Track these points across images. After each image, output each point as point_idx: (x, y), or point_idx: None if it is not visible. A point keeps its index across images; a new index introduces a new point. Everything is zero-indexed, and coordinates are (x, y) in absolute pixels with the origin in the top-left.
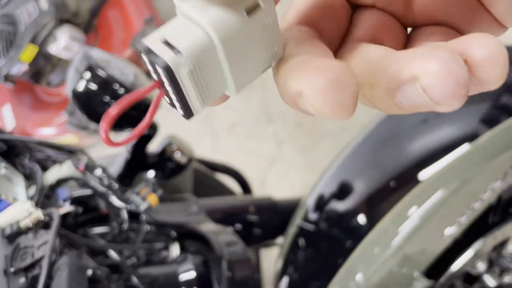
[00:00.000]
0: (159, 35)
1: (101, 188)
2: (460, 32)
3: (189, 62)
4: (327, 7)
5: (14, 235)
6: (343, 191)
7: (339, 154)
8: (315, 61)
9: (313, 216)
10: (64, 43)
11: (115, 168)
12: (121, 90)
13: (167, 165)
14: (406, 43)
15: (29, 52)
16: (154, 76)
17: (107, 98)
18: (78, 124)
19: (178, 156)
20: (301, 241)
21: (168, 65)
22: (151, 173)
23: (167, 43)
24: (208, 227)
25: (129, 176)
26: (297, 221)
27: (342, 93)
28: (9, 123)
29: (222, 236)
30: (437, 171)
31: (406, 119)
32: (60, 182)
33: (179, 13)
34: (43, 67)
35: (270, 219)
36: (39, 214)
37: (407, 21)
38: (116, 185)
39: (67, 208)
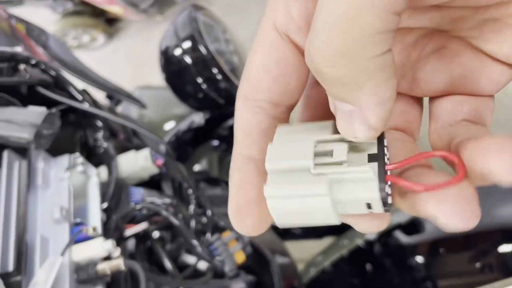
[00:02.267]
0: None
1: (188, 232)
2: (472, 94)
3: None
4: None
5: (88, 280)
6: (414, 226)
7: None
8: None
9: (372, 235)
10: None
11: (183, 128)
12: (218, 76)
13: None
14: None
15: None
16: None
17: (199, 80)
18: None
19: None
20: (350, 259)
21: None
22: (215, 142)
23: None
24: (264, 237)
25: (195, 142)
26: (355, 237)
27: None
28: None
29: (278, 258)
30: None
31: None
32: (133, 212)
33: None
34: None
35: None
36: (120, 264)
37: (417, 95)
38: (204, 220)
39: (141, 226)
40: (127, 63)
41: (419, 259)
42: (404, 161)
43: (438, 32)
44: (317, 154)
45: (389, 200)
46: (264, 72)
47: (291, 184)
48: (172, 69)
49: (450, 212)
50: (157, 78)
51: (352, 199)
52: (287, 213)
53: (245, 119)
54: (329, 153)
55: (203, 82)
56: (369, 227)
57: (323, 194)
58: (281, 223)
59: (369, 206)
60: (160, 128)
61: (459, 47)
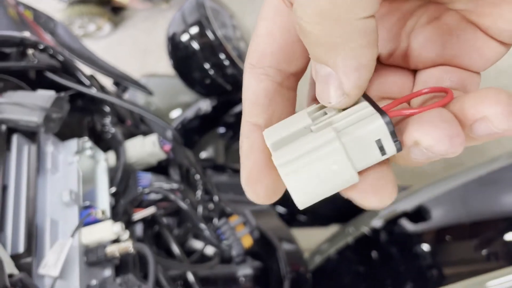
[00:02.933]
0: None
1: (196, 216)
2: (461, 68)
3: None
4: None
5: (97, 262)
6: (419, 214)
7: (444, 176)
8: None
9: (377, 223)
10: None
11: (189, 115)
12: (226, 62)
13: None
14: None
15: None
16: None
17: (207, 65)
18: None
19: None
20: (356, 247)
21: None
22: (222, 129)
23: None
24: (271, 224)
25: (202, 129)
26: (361, 225)
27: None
28: None
29: (285, 244)
30: None
31: None
32: (141, 195)
33: None
34: None
35: (324, 208)
36: (129, 246)
37: (409, 67)
38: (211, 206)
39: (149, 210)
40: (132, 51)
41: (425, 247)
42: (396, 101)
43: (435, 3)
44: (312, 118)
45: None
46: (270, 39)
47: (298, 145)
48: (180, 55)
49: (432, 132)
50: (163, 66)
51: (361, 141)
52: (302, 179)
53: (251, 87)
54: (323, 114)
55: (210, 68)
56: (379, 200)
57: (332, 140)
58: (298, 193)
59: (381, 148)
60: (167, 115)
61: (454, 20)
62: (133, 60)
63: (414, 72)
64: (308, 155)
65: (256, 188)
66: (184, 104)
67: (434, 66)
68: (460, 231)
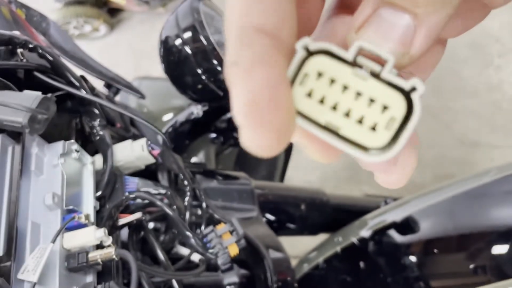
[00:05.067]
0: None
1: (182, 223)
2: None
3: None
4: None
5: (78, 268)
6: (408, 225)
7: (438, 187)
8: None
9: (366, 233)
10: None
11: (181, 120)
12: (218, 67)
13: (232, 135)
14: None
15: None
16: None
17: (199, 71)
18: None
19: None
20: (344, 256)
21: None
22: (212, 135)
23: None
24: (259, 232)
25: (193, 134)
26: (349, 234)
27: None
28: None
29: (272, 252)
30: None
31: None
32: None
33: None
34: None
35: (313, 217)
36: (111, 252)
37: None
38: (199, 212)
39: (135, 216)
40: (127, 54)
41: (413, 258)
42: None
43: None
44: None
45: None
46: None
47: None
48: (172, 59)
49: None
50: (157, 70)
51: None
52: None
53: None
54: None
55: (202, 73)
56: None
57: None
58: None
59: None
60: (159, 119)
61: None
62: (127, 62)
63: None
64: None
65: (265, 120)
66: (176, 108)
67: None
68: (448, 243)
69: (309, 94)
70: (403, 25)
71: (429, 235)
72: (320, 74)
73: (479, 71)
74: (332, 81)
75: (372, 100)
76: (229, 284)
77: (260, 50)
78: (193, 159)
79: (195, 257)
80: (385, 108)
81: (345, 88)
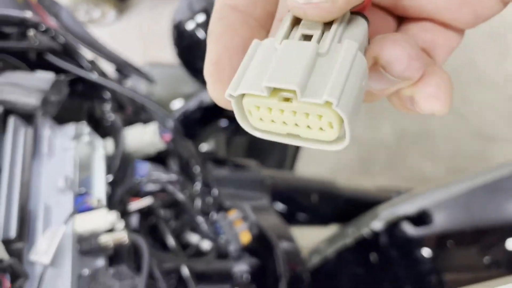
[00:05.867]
0: None
1: (193, 209)
2: (447, 23)
3: None
4: None
5: (90, 251)
6: (421, 218)
7: (451, 180)
8: None
9: (378, 225)
10: None
11: (191, 106)
12: None
13: None
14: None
15: None
16: None
17: None
18: None
19: None
20: (355, 248)
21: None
22: (224, 122)
23: None
24: (270, 221)
25: (203, 121)
26: (361, 226)
27: None
28: None
29: (283, 242)
30: None
31: None
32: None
33: None
34: None
35: (325, 207)
36: (123, 236)
37: (397, 13)
38: (210, 200)
39: (146, 201)
40: (137, 40)
41: (426, 251)
42: None
43: None
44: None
45: None
46: None
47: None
48: (184, 43)
49: (392, 48)
50: (167, 56)
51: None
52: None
53: None
54: (303, 37)
55: None
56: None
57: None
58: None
59: None
60: (168, 105)
61: None
62: (137, 48)
63: (399, 21)
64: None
65: (224, 76)
66: (186, 95)
67: (419, 20)
68: (463, 237)
69: (261, 119)
70: None
71: (443, 228)
72: (258, 107)
73: (497, 62)
74: (270, 108)
75: (307, 114)
76: (239, 272)
77: (229, 22)
78: (203, 147)
79: (205, 245)
80: (320, 116)
81: (282, 111)
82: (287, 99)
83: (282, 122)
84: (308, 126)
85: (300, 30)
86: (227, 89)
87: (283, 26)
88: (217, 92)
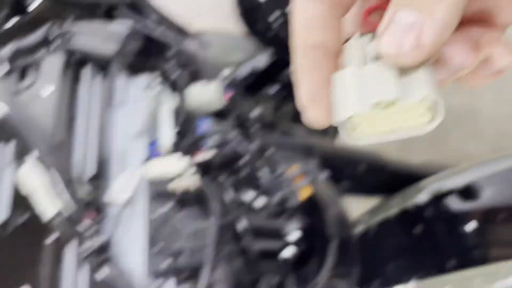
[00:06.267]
0: None
1: (253, 164)
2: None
3: None
4: None
5: (161, 196)
6: (469, 192)
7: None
8: None
9: (424, 198)
10: None
11: (244, 71)
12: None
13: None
14: None
15: None
16: None
17: (271, 18)
18: None
19: None
20: (399, 220)
21: None
22: (273, 89)
23: None
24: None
25: (254, 87)
26: (406, 198)
27: None
28: None
29: (333, 207)
30: None
31: None
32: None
33: None
34: None
35: (370, 178)
36: (194, 181)
37: None
38: (270, 151)
39: (209, 154)
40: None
41: (471, 226)
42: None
43: None
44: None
45: None
46: None
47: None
48: (246, 4)
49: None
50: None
51: None
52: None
53: (303, 9)
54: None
55: (276, 21)
56: None
57: None
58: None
59: None
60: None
61: None
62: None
63: None
64: None
65: (318, 106)
66: (235, 63)
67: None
68: (509, 212)
69: (363, 130)
70: (409, 22)
71: (490, 202)
72: (361, 122)
73: None
74: (372, 119)
75: (407, 111)
76: (290, 231)
77: (315, 59)
78: (253, 113)
79: (259, 202)
80: (417, 108)
81: (383, 117)
82: (388, 105)
83: (383, 125)
84: (408, 118)
85: (372, 45)
86: (323, 113)
87: (356, 53)
88: (318, 118)
